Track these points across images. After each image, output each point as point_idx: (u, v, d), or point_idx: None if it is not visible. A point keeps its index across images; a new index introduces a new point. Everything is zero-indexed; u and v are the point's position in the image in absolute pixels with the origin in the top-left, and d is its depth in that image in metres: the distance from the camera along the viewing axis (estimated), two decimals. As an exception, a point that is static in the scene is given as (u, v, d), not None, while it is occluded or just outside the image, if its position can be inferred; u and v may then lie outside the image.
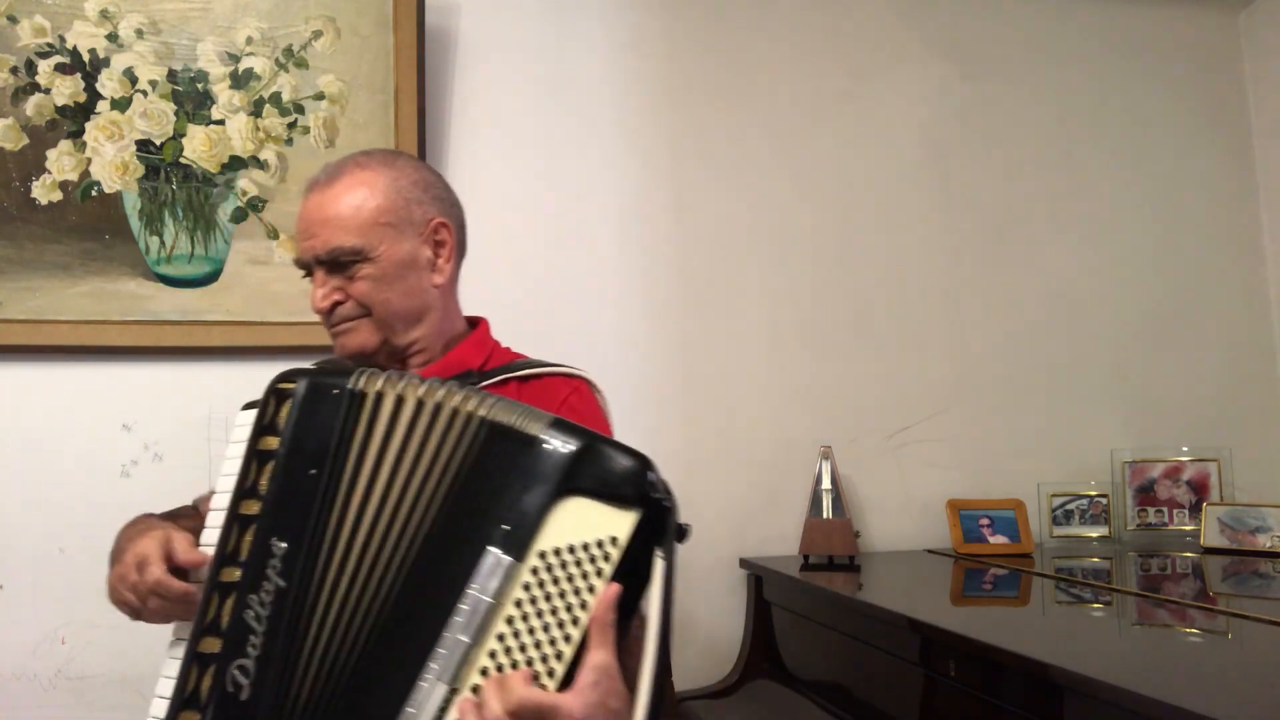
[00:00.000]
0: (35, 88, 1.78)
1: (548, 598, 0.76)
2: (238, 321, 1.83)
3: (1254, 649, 1.24)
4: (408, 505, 0.81)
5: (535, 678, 0.74)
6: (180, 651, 0.82)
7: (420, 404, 0.83)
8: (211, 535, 0.85)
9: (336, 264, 1.09)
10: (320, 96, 1.89)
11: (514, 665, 0.74)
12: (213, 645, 0.79)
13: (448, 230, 1.16)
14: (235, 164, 1.85)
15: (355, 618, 0.79)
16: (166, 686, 0.81)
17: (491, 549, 0.77)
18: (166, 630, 1.87)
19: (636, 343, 2.06)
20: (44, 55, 1.78)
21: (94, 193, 1.80)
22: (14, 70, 1.77)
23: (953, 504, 2.06)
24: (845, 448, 2.09)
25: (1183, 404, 2.30)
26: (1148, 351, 2.31)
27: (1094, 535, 2.07)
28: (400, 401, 0.84)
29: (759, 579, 1.94)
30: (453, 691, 0.74)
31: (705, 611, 2.00)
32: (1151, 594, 1.57)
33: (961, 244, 2.25)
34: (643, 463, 0.79)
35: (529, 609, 0.76)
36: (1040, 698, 1.12)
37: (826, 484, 1.99)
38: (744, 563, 1.98)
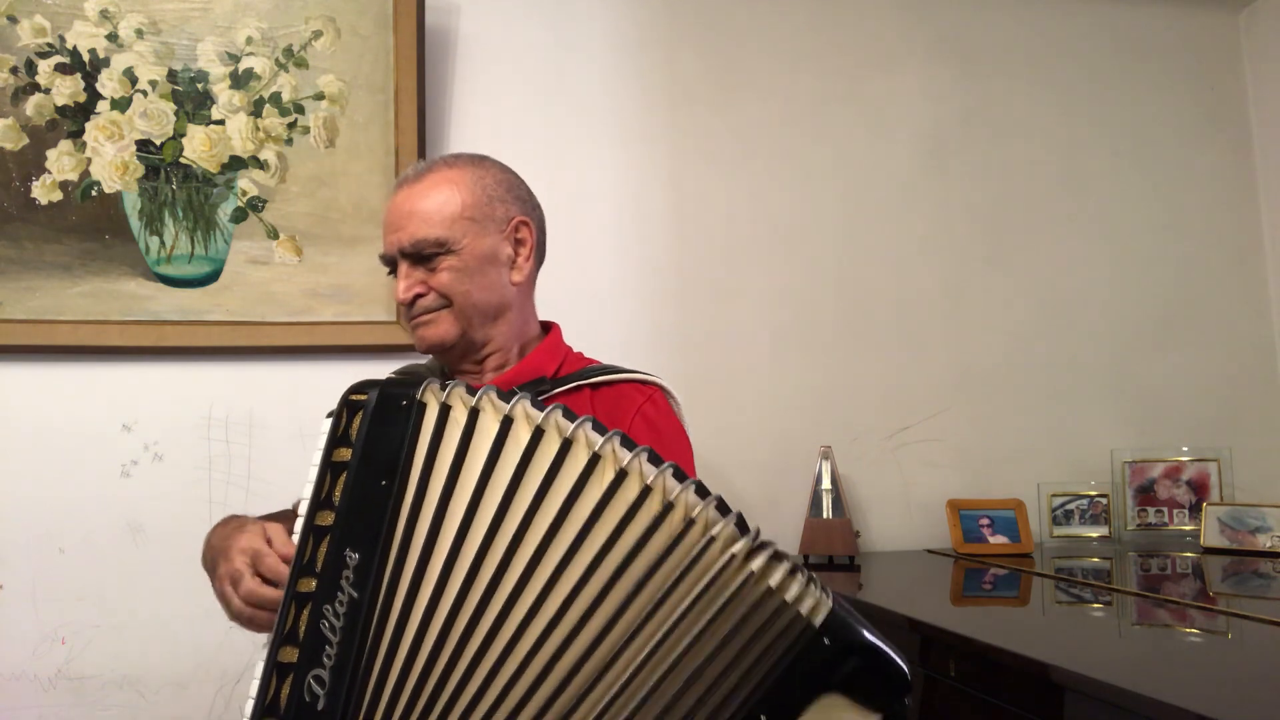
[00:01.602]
0: (35, 88, 1.78)
1: None
2: (238, 321, 1.83)
3: (1254, 649, 1.24)
4: (579, 578, 0.77)
5: None
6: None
7: (593, 456, 0.79)
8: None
9: (420, 256, 1.12)
10: (320, 96, 1.89)
11: None
12: (291, 655, 0.79)
13: (528, 229, 1.19)
14: (235, 164, 1.85)
15: (470, 650, 0.77)
16: (255, 690, 0.82)
17: None
18: (164, 631, 1.87)
19: (636, 342, 2.06)
20: (44, 55, 1.78)
21: (94, 193, 1.80)
22: (14, 70, 1.77)
23: (953, 504, 2.06)
24: (845, 448, 2.09)
25: (1183, 404, 2.30)
26: (1148, 351, 2.31)
27: (1094, 535, 2.07)
28: (506, 422, 0.80)
29: (759, 579, 1.94)
30: None
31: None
32: (1151, 594, 1.57)
33: (961, 244, 2.25)
34: (907, 672, 0.78)
35: None
36: (1040, 698, 1.12)
37: (826, 484, 1.99)
38: (744, 563, 1.98)
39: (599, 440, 0.79)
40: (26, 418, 1.77)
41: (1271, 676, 1.12)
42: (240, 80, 1.86)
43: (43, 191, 1.77)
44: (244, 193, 1.85)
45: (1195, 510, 2.07)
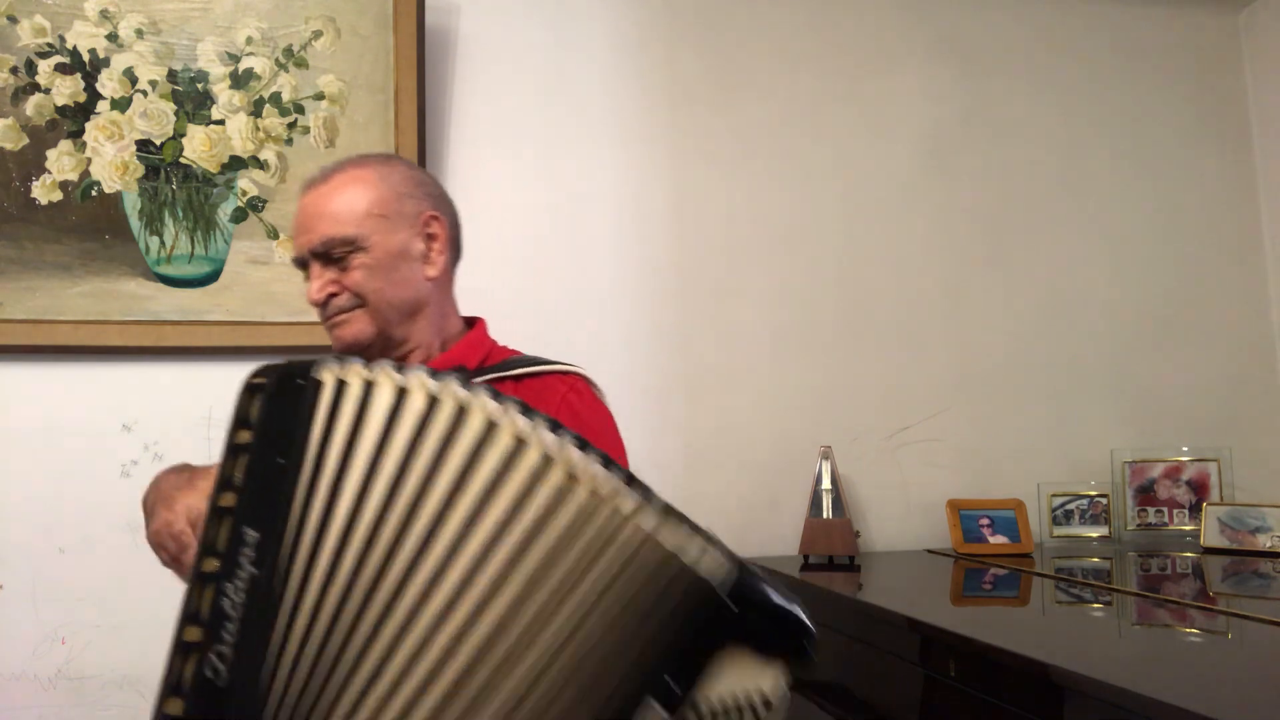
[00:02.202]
0: (35, 88, 1.78)
1: None
2: (238, 321, 1.83)
3: (1254, 649, 1.24)
4: (457, 539, 0.77)
5: None
6: None
7: (432, 402, 0.79)
8: None
9: (331, 256, 1.12)
10: (320, 96, 1.89)
11: None
12: (195, 634, 0.79)
13: (439, 224, 1.18)
14: (235, 164, 1.85)
15: (369, 625, 0.77)
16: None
17: (653, 702, 0.75)
18: (164, 631, 1.87)
19: (636, 343, 2.06)
20: (44, 55, 1.78)
21: (94, 193, 1.80)
22: (14, 70, 1.77)
23: (953, 504, 2.06)
24: (845, 448, 2.09)
25: (1183, 404, 2.30)
26: (1148, 351, 2.31)
27: (1094, 535, 2.07)
28: (402, 394, 0.81)
29: (759, 579, 1.94)
30: None
31: (705, 611, 2.00)
32: (1151, 594, 1.57)
33: (961, 244, 2.25)
34: (805, 618, 0.79)
35: None
36: (1040, 698, 1.12)
37: (826, 484, 1.99)
38: (744, 563, 1.98)
39: (495, 407, 0.79)
40: (26, 418, 1.77)
41: (1271, 676, 1.12)
42: (240, 80, 1.86)
43: (43, 191, 1.77)
44: (244, 193, 1.85)
45: (1195, 510, 2.07)
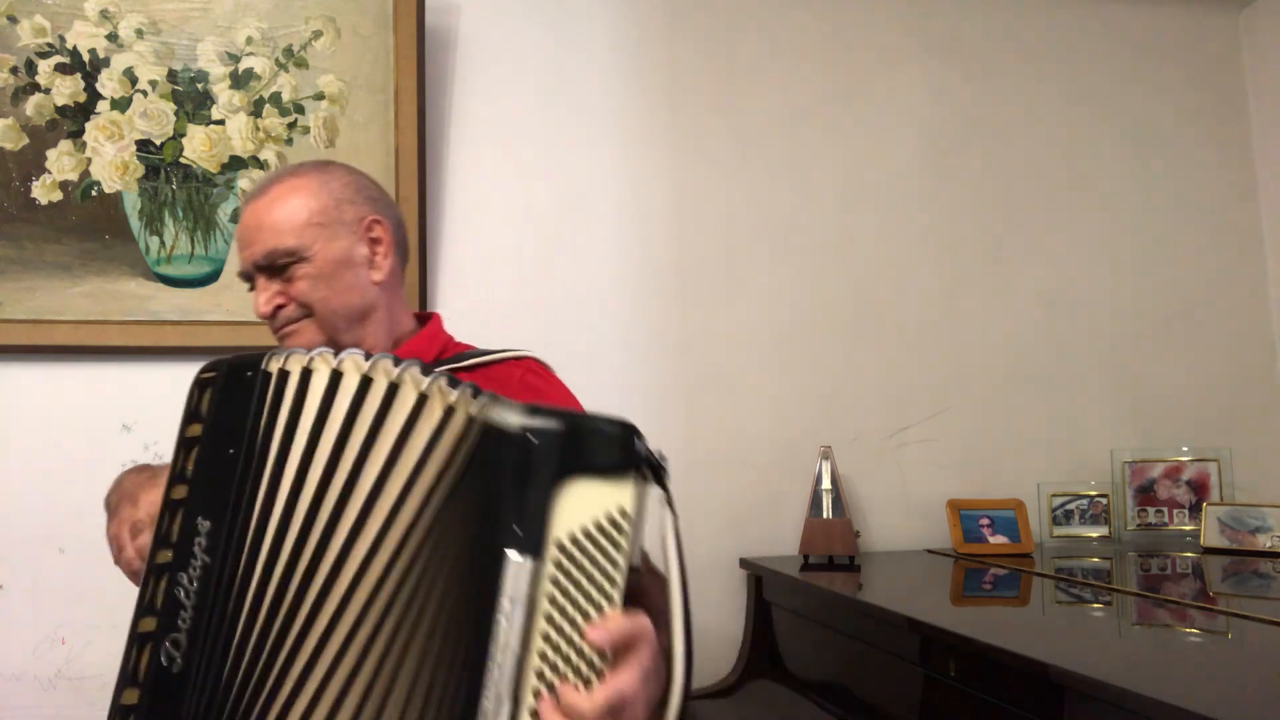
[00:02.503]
0: (35, 88, 1.78)
1: (578, 586, 0.78)
2: (238, 321, 1.83)
3: (1254, 649, 1.24)
4: (366, 492, 0.80)
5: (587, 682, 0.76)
6: None
7: (362, 380, 0.82)
8: None
9: (274, 268, 1.12)
10: (320, 96, 1.89)
11: (566, 662, 0.76)
12: (150, 624, 0.81)
13: (382, 227, 1.18)
14: (235, 164, 1.85)
15: (317, 604, 0.79)
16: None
17: (510, 553, 0.77)
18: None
19: (636, 342, 2.06)
20: (44, 55, 1.79)
21: (94, 193, 1.80)
22: (14, 70, 1.77)
23: (953, 504, 2.06)
24: (845, 448, 2.09)
25: (1183, 404, 2.30)
26: (1148, 351, 2.31)
27: (1094, 535, 2.07)
28: (336, 376, 0.83)
29: (759, 579, 1.94)
30: (515, 705, 0.75)
31: (705, 611, 2.00)
32: (1151, 594, 1.57)
33: (961, 244, 2.25)
34: (628, 428, 0.82)
35: (564, 602, 0.77)
36: (1040, 698, 1.12)
37: (826, 484, 1.99)
38: (744, 563, 1.98)
39: (426, 380, 0.81)
40: (26, 418, 1.77)
41: (1271, 676, 1.12)
42: (240, 80, 1.86)
43: (43, 191, 1.78)
44: (244, 193, 1.85)
45: (1195, 510, 2.07)
